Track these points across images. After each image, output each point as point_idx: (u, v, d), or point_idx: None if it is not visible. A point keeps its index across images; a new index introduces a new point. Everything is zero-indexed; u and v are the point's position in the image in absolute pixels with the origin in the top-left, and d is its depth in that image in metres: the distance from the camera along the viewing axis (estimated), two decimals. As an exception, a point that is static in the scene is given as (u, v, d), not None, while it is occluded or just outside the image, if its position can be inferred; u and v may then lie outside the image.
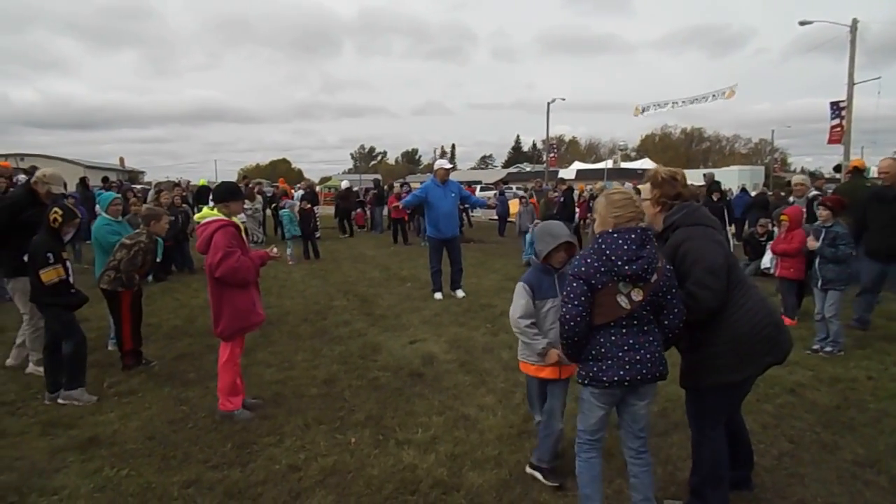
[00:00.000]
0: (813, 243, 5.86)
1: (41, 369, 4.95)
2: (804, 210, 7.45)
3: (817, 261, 5.81)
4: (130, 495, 3.20)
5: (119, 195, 6.29)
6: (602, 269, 2.58)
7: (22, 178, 9.94)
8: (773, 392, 4.59)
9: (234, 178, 45.63)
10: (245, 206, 11.77)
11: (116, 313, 5.42)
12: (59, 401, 4.54)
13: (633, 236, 2.60)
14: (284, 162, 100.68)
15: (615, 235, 2.62)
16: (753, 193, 18.30)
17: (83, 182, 14.16)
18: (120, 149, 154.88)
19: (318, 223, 14.54)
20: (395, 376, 5.11)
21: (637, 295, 2.58)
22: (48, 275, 4.49)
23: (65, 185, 9.18)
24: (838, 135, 22.58)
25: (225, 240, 3.98)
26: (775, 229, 7.21)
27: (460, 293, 8.60)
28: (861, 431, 3.95)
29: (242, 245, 4.21)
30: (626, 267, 2.55)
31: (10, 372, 5.24)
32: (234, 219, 4.29)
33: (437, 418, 4.17)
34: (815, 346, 5.77)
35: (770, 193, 17.20)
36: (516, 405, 4.34)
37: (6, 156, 31.03)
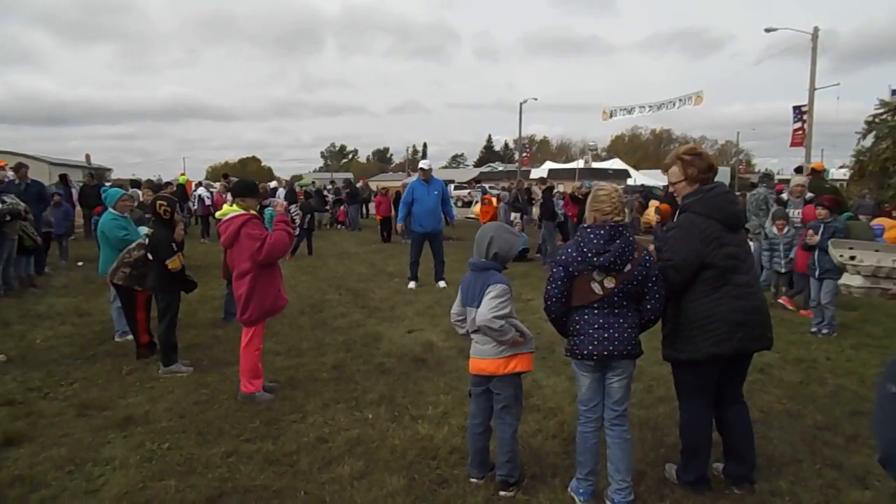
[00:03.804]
0: (814, 237, 6.40)
1: None
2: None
3: (816, 253, 6.39)
4: (177, 464, 3.51)
5: (127, 192, 6.48)
6: (578, 259, 2.97)
7: (10, 175, 9.96)
8: (744, 371, 5.09)
9: (202, 177, 45.58)
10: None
11: (130, 308, 5.63)
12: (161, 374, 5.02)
13: (602, 232, 2.94)
14: (255, 160, 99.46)
15: (588, 230, 3.00)
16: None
17: (63, 179, 14.13)
18: (87, 145, 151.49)
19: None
20: (400, 362, 5.48)
21: (609, 282, 2.95)
22: (174, 262, 4.96)
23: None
24: (800, 137, 23.66)
25: (258, 230, 4.39)
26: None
27: (442, 284, 9.06)
28: (821, 402, 4.49)
29: (265, 231, 4.56)
30: (596, 259, 2.93)
31: (30, 362, 5.42)
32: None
33: (444, 397, 4.56)
34: (814, 329, 6.46)
35: (738, 194, 17.81)
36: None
37: (-29, 152, 30.23)
